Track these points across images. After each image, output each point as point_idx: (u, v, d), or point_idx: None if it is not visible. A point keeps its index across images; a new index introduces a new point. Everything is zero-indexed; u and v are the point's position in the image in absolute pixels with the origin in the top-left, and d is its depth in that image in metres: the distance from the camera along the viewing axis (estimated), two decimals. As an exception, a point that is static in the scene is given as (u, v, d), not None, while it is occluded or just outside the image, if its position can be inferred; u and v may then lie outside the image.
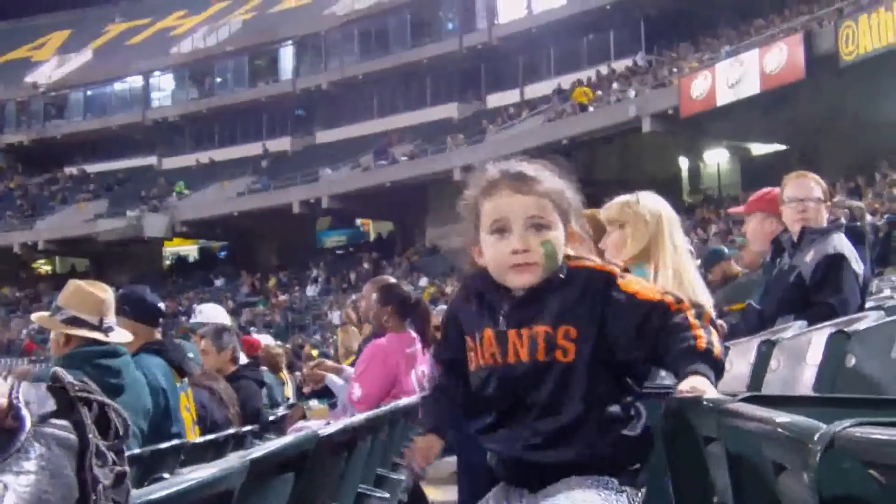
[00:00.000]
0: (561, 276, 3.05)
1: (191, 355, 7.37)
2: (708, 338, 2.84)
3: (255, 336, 14.08)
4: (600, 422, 2.97)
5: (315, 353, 25.80)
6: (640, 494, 3.00)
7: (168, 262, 62.92)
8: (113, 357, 5.22)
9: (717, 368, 2.82)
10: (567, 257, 3.08)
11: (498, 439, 3.14)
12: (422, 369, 7.21)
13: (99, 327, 5.19)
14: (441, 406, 3.30)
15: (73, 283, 5.36)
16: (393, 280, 8.66)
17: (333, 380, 7.52)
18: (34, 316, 5.59)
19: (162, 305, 6.45)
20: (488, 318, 3.11)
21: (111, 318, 5.29)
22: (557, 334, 2.97)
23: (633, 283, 3.02)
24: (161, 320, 6.41)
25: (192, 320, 9.24)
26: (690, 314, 2.91)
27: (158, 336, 6.28)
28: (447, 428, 3.33)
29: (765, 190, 6.89)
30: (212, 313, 9.29)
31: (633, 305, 2.96)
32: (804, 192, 6.03)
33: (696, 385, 2.70)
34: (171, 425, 5.78)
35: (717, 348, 2.85)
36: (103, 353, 5.17)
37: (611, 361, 3.00)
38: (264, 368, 10.04)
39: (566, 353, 2.97)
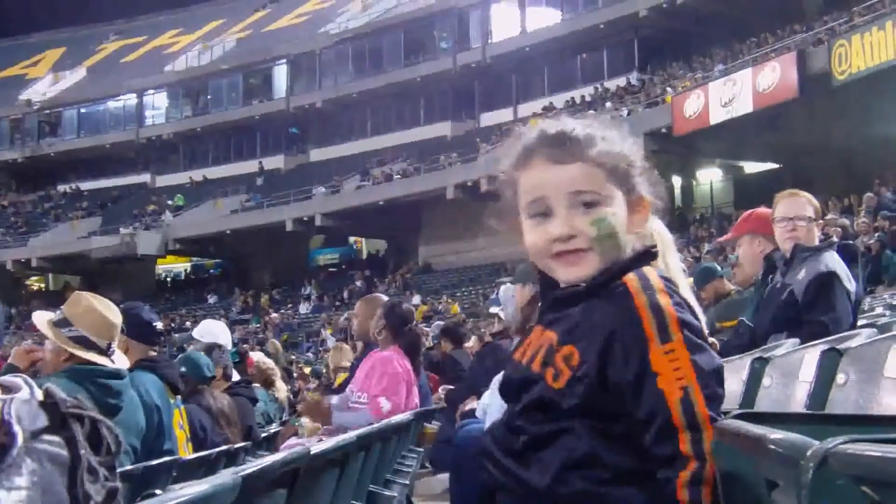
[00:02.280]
0: (608, 278, 2.37)
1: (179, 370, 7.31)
2: None
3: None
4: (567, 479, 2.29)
5: (308, 370, 25.76)
6: None
7: (161, 280, 62.91)
8: (116, 378, 5.18)
9: None
10: (634, 259, 2.40)
11: None
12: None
13: (106, 352, 5.12)
14: None
15: (84, 300, 5.16)
16: (386, 297, 8.67)
17: (341, 417, 7.16)
18: (37, 317, 5.34)
19: (159, 325, 6.43)
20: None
21: (116, 342, 5.22)
22: (558, 351, 2.36)
23: (666, 365, 2.25)
24: (157, 339, 6.39)
25: (195, 337, 9.11)
26: (684, 479, 2.20)
27: (153, 353, 6.26)
28: None
29: (749, 212, 6.95)
30: (212, 330, 9.21)
31: (639, 389, 2.26)
32: (795, 211, 6.05)
33: None
34: (164, 442, 5.77)
35: None
36: (107, 374, 5.12)
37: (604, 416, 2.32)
38: (257, 385, 10.01)
39: (557, 378, 2.33)
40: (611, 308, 2.31)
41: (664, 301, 2.29)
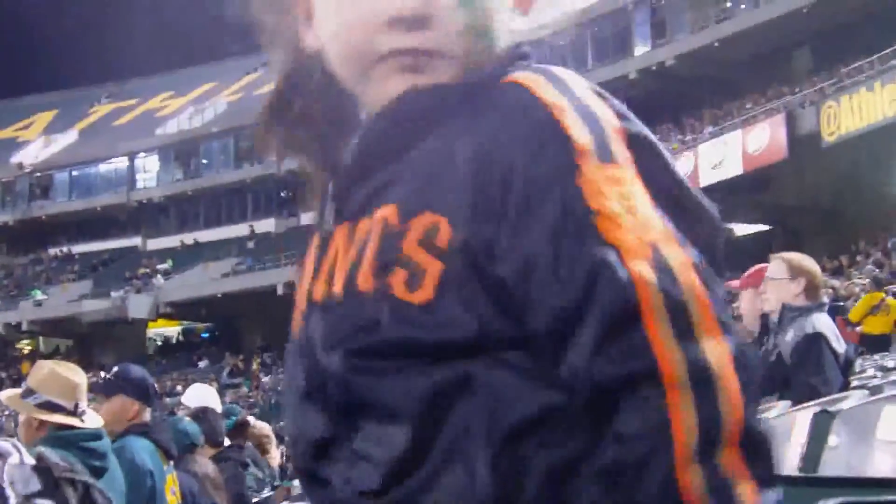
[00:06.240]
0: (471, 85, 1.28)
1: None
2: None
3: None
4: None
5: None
6: None
7: (152, 344, 62.67)
8: (97, 440, 5.18)
9: None
10: (508, 62, 1.32)
11: None
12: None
13: (74, 412, 5.13)
14: None
15: (45, 366, 5.21)
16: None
17: None
18: (2, 395, 5.45)
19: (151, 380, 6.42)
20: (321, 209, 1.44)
21: (84, 402, 5.23)
22: (409, 230, 1.22)
23: (606, 196, 1.18)
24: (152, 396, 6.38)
25: (184, 402, 9.01)
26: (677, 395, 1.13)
27: (147, 417, 6.24)
28: None
29: (758, 266, 6.89)
30: (200, 395, 9.13)
31: (564, 253, 1.15)
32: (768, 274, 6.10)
33: None
34: (157, 510, 5.73)
35: None
36: (88, 436, 5.13)
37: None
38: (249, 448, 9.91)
39: (415, 282, 1.19)
40: (492, 118, 1.23)
41: (594, 102, 1.32)
